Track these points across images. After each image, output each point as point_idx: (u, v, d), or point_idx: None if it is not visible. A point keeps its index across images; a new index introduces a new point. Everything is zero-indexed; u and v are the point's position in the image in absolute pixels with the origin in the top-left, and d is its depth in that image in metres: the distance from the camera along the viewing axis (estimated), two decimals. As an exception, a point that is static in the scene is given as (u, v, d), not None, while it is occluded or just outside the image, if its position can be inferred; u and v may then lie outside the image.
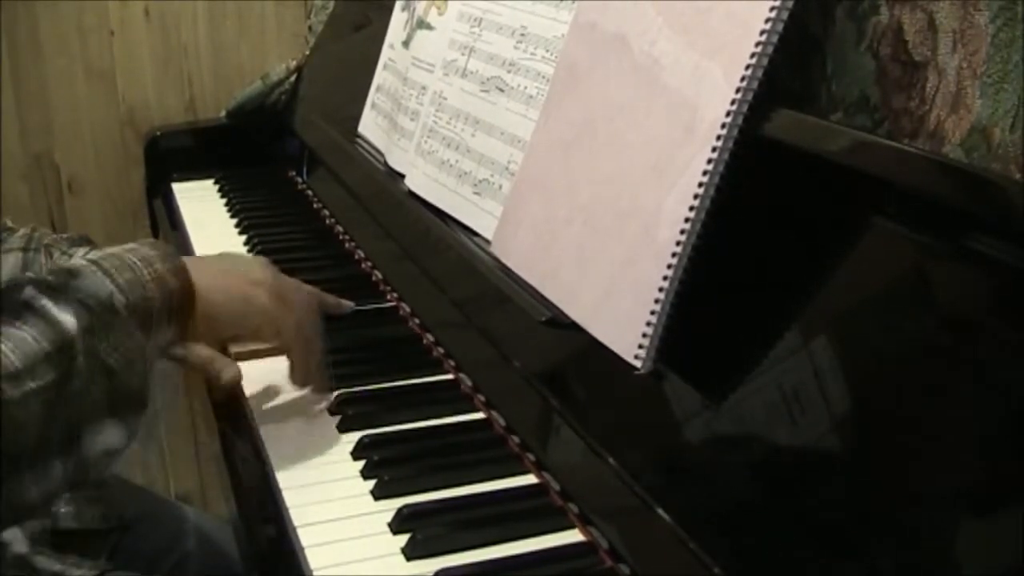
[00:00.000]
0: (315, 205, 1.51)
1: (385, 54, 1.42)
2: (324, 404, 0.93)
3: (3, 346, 0.69)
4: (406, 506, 0.78)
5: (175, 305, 0.81)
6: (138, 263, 0.79)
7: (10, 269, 1.05)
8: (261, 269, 0.92)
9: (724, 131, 0.74)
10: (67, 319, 0.72)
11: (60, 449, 0.72)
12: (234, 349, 0.97)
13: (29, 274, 0.76)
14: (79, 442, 0.73)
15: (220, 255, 0.96)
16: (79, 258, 0.79)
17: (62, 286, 0.75)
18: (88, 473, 0.74)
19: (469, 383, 0.96)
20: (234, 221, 1.47)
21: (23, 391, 0.68)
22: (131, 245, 0.82)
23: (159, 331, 0.80)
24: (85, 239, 1.13)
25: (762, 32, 0.73)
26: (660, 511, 0.70)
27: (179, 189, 1.67)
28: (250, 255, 0.96)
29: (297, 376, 0.93)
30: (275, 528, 0.80)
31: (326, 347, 0.96)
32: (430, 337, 1.06)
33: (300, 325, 0.92)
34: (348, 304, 1.09)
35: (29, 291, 0.74)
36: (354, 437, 0.88)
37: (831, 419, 0.64)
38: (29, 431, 0.69)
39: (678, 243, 0.75)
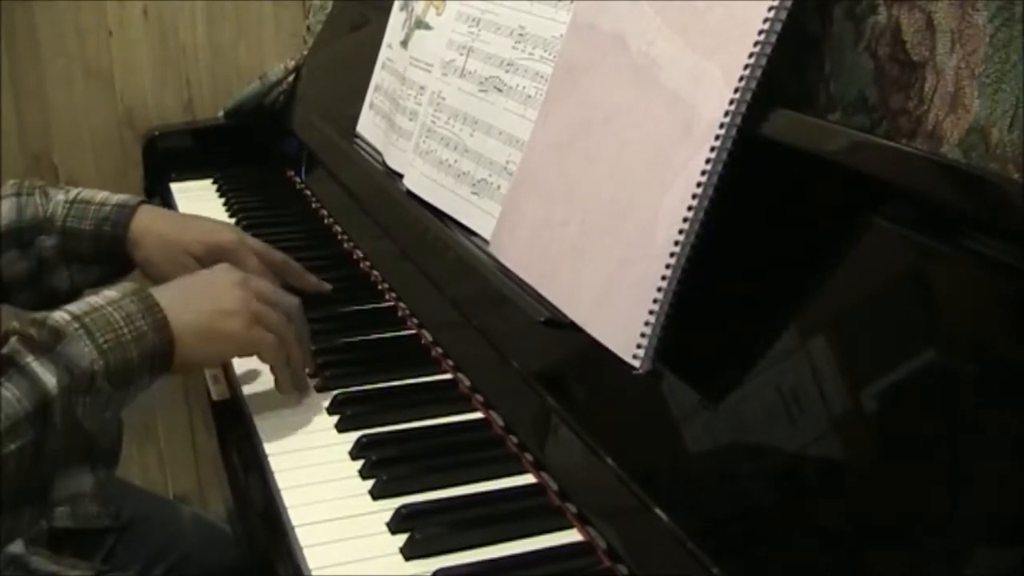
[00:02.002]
0: (313, 205, 1.51)
1: (383, 54, 1.42)
2: (314, 396, 0.95)
3: None
4: (404, 506, 0.78)
5: (155, 359, 0.83)
6: (120, 323, 0.81)
7: (6, 213, 1.10)
8: (238, 295, 0.91)
9: (722, 131, 0.74)
10: (49, 379, 0.75)
11: (32, 499, 0.74)
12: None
13: (15, 324, 0.78)
14: (51, 490, 0.75)
15: (194, 276, 0.96)
16: (62, 313, 0.80)
17: (47, 346, 0.77)
18: (53, 512, 0.77)
19: (467, 383, 0.96)
20: (232, 221, 1.47)
21: (4, 452, 0.71)
22: (114, 295, 0.83)
23: (138, 382, 0.82)
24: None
25: (760, 32, 0.73)
26: (658, 511, 0.70)
27: (177, 189, 1.67)
28: (220, 268, 0.95)
29: (282, 387, 0.94)
30: (273, 528, 0.80)
31: (310, 344, 0.98)
32: (428, 337, 1.06)
33: (280, 341, 0.92)
34: (325, 286, 1.15)
35: (15, 345, 0.76)
36: (352, 437, 0.88)
37: (829, 419, 0.64)
38: (6, 488, 0.72)
39: (676, 243, 0.75)
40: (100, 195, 1.13)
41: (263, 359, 0.93)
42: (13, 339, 0.77)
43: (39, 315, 0.79)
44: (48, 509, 0.77)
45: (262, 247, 1.12)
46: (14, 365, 0.74)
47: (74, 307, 0.81)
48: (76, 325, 0.79)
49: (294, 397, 0.95)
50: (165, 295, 0.86)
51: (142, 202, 1.13)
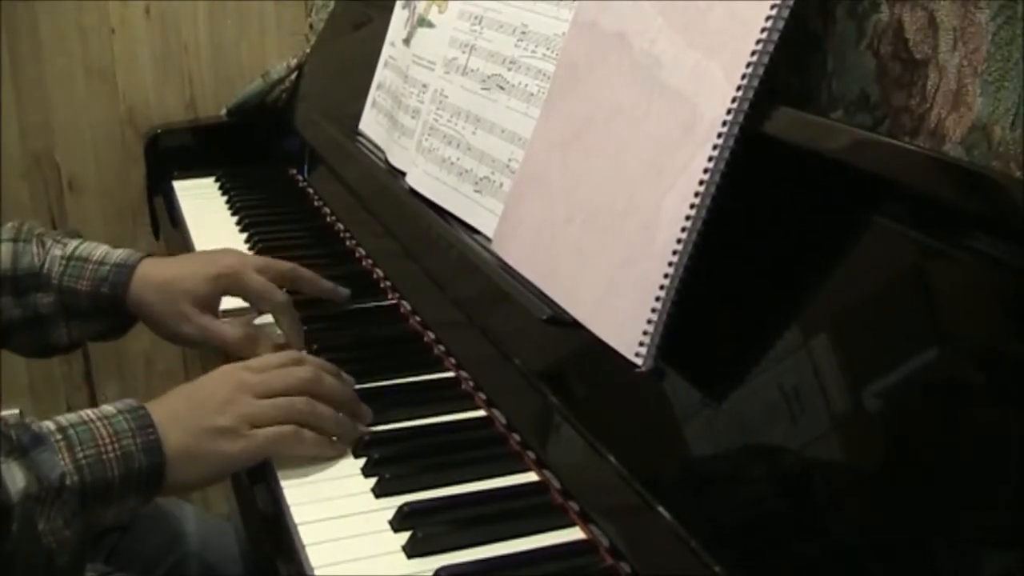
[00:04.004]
0: (316, 203, 1.51)
1: (386, 52, 1.42)
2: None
3: None
4: (407, 504, 0.78)
5: (142, 482, 0.79)
6: (106, 438, 0.78)
7: (2, 259, 1.05)
8: (222, 403, 0.84)
9: (724, 129, 0.74)
10: (15, 483, 0.72)
11: None
12: None
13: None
14: None
15: (191, 386, 0.88)
16: (49, 423, 0.77)
17: (23, 450, 0.74)
18: None
19: (470, 381, 0.96)
20: (235, 219, 1.47)
21: None
22: (110, 410, 0.80)
23: (120, 503, 0.78)
24: (75, 232, 1.14)
25: (762, 30, 0.73)
26: (660, 509, 0.70)
27: (180, 187, 1.67)
28: (219, 372, 0.89)
29: (322, 456, 0.86)
30: (276, 526, 0.80)
31: (345, 392, 0.91)
32: (431, 335, 1.06)
33: (288, 432, 0.85)
34: (342, 291, 1.10)
35: None
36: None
37: (831, 418, 0.64)
38: None
39: (679, 241, 0.75)
40: (98, 252, 1.07)
41: (284, 452, 0.85)
42: None
43: (28, 420, 0.77)
44: None
45: (264, 263, 1.08)
46: None
47: (64, 418, 0.79)
48: (59, 436, 0.76)
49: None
50: (159, 411, 0.82)
51: (143, 258, 1.08)
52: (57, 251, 1.07)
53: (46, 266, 1.06)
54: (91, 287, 1.05)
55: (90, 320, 1.08)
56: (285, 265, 1.10)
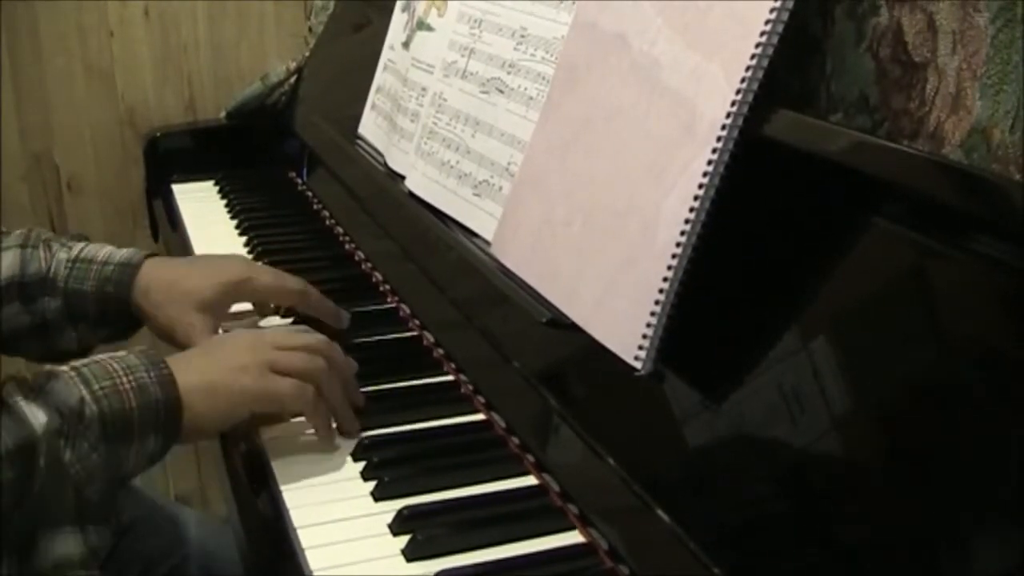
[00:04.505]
0: (315, 206, 1.51)
1: (385, 55, 1.42)
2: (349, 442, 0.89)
3: None
4: (406, 507, 0.78)
5: (161, 416, 0.79)
6: (119, 371, 0.78)
7: (9, 266, 1.05)
8: (248, 347, 0.86)
9: (724, 131, 0.74)
10: (36, 420, 0.72)
11: (14, 549, 0.71)
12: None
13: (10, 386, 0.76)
14: (34, 547, 0.72)
15: (208, 342, 0.91)
16: (64, 366, 0.78)
17: (39, 387, 0.75)
18: None
19: (469, 384, 0.96)
20: (234, 222, 1.47)
21: None
22: (121, 353, 0.81)
23: (143, 441, 0.78)
24: (82, 236, 1.13)
25: (762, 32, 0.73)
26: (660, 512, 0.70)
27: (179, 190, 1.67)
28: (235, 332, 0.91)
29: (320, 433, 0.88)
30: (275, 529, 0.80)
31: (353, 379, 0.92)
32: (430, 338, 1.06)
33: (301, 386, 0.86)
34: (345, 315, 1.09)
35: (9, 388, 0.74)
36: (354, 438, 0.88)
37: (831, 420, 0.64)
38: None
39: (678, 244, 0.75)
40: (103, 252, 1.07)
41: (290, 408, 0.87)
42: (10, 384, 0.75)
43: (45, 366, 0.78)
44: (29, 574, 0.72)
45: (272, 281, 1.06)
46: (3, 404, 0.73)
47: (76, 361, 0.79)
48: (72, 373, 0.77)
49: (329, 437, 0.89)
50: (173, 357, 0.83)
51: (147, 256, 1.07)
52: (63, 255, 1.07)
53: (52, 270, 1.06)
54: (96, 287, 1.05)
55: (97, 323, 1.07)
56: (294, 283, 1.07)
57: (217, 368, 0.84)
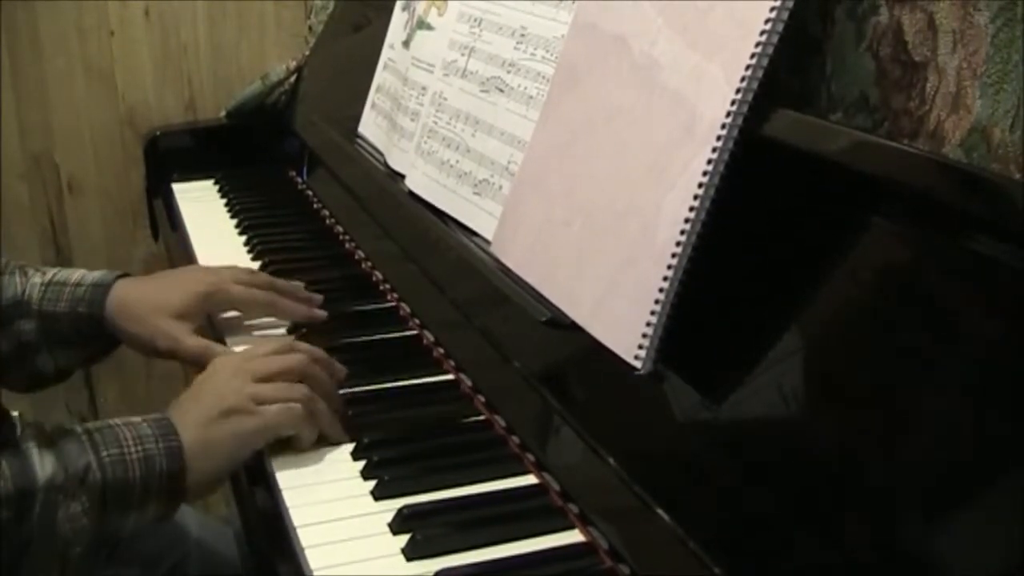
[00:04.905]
0: (315, 205, 1.51)
1: (385, 54, 1.42)
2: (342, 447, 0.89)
3: None
4: (406, 506, 0.78)
5: (164, 486, 0.80)
6: (129, 440, 0.80)
7: None
8: (226, 388, 0.86)
9: (724, 131, 0.74)
10: (43, 470, 0.75)
11: None
12: None
13: (29, 429, 0.78)
14: None
15: (198, 385, 0.89)
16: (77, 425, 0.80)
17: (51, 440, 0.77)
18: None
19: (469, 383, 0.96)
20: (234, 222, 1.47)
21: None
22: (135, 419, 0.82)
23: (143, 510, 0.80)
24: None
25: (762, 32, 0.73)
26: (660, 511, 0.70)
27: (179, 189, 1.67)
28: (218, 363, 0.91)
29: (302, 444, 0.88)
30: (275, 529, 0.80)
31: (340, 380, 0.94)
32: (430, 337, 1.06)
33: (287, 411, 0.86)
34: (318, 314, 1.10)
35: (27, 432, 0.77)
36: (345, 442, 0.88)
37: (830, 419, 0.64)
38: None
39: (678, 243, 0.75)
40: (76, 275, 1.09)
41: (285, 434, 0.87)
42: (28, 428, 0.77)
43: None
44: None
45: (240, 293, 1.08)
46: (15, 447, 0.75)
47: (91, 424, 0.81)
48: (85, 436, 0.79)
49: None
50: (175, 413, 0.84)
51: (119, 277, 1.09)
52: (37, 279, 1.08)
53: (26, 293, 1.07)
54: (69, 308, 1.06)
55: (72, 344, 1.08)
56: (263, 280, 1.11)
57: (206, 419, 0.84)
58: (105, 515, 0.77)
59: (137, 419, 0.82)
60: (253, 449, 0.86)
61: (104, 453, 0.78)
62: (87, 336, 1.07)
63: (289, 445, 0.87)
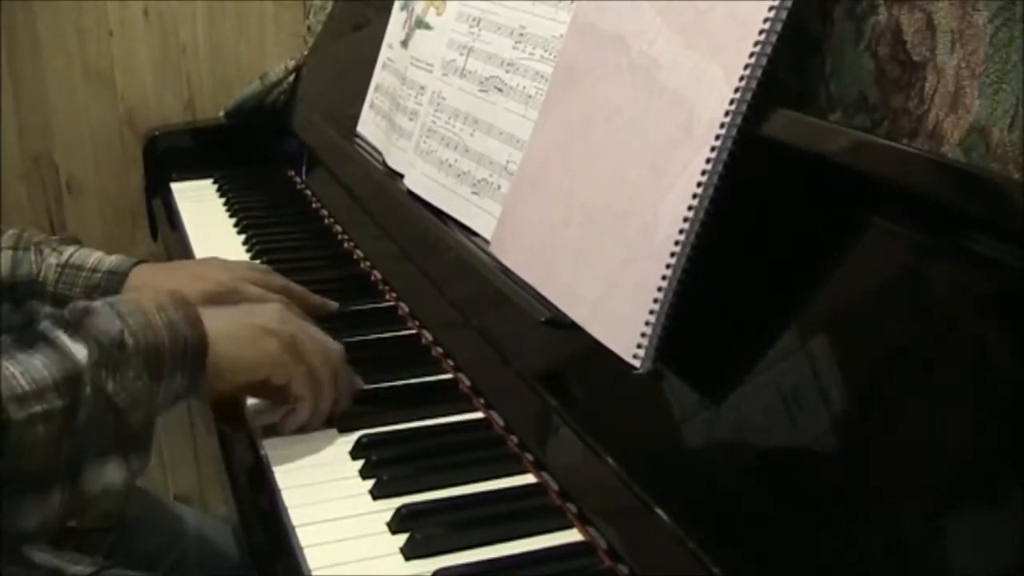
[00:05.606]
0: (314, 205, 1.51)
1: (384, 54, 1.42)
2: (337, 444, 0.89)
3: (13, 369, 0.71)
4: (405, 506, 0.78)
5: (188, 353, 0.81)
6: (151, 308, 0.80)
7: (2, 266, 1.06)
8: (278, 318, 0.89)
9: (723, 131, 0.74)
10: (79, 351, 0.74)
11: (62, 478, 0.73)
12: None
13: (47, 309, 0.77)
14: (81, 475, 0.74)
15: (238, 308, 0.92)
16: (99, 303, 0.80)
17: (77, 322, 0.77)
18: (85, 508, 0.75)
19: (468, 383, 0.96)
20: (233, 221, 1.47)
21: (29, 413, 0.70)
22: (150, 294, 0.83)
23: (171, 378, 0.80)
24: (74, 239, 1.14)
25: (761, 32, 0.73)
26: (659, 511, 0.70)
27: (178, 189, 1.67)
28: (268, 306, 0.93)
29: (286, 426, 0.89)
30: (274, 528, 0.80)
31: (354, 392, 0.93)
32: (429, 337, 1.06)
33: (312, 376, 0.88)
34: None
35: (46, 324, 0.76)
36: (353, 437, 0.88)
37: (829, 419, 0.64)
38: (33, 454, 0.71)
39: (677, 243, 0.75)
40: (92, 259, 1.08)
41: (291, 390, 0.87)
42: (46, 320, 0.77)
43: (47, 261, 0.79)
44: (79, 501, 0.74)
45: (256, 294, 1.06)
46: (44, 339, 0.75)
47: (109, 297, 0.81)
48: (107, 307, 0.78)
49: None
50: (204, 307, 0.84)
51: (135, 264, 1.08)
52: (52, 259, 1.08)
53: (42, 274, 1.07)
54: (84, 295, 1.05)
55: None
56: (278, 282, 1.09)
57: (246, 324, 0.86)
58: (151, 378, 0.78)
59: (150, 294, 0.84)
60: (264, 379, 0.86)
61: (131, 321, 0.78)
62: None
63: (276, 428, 0.89)
